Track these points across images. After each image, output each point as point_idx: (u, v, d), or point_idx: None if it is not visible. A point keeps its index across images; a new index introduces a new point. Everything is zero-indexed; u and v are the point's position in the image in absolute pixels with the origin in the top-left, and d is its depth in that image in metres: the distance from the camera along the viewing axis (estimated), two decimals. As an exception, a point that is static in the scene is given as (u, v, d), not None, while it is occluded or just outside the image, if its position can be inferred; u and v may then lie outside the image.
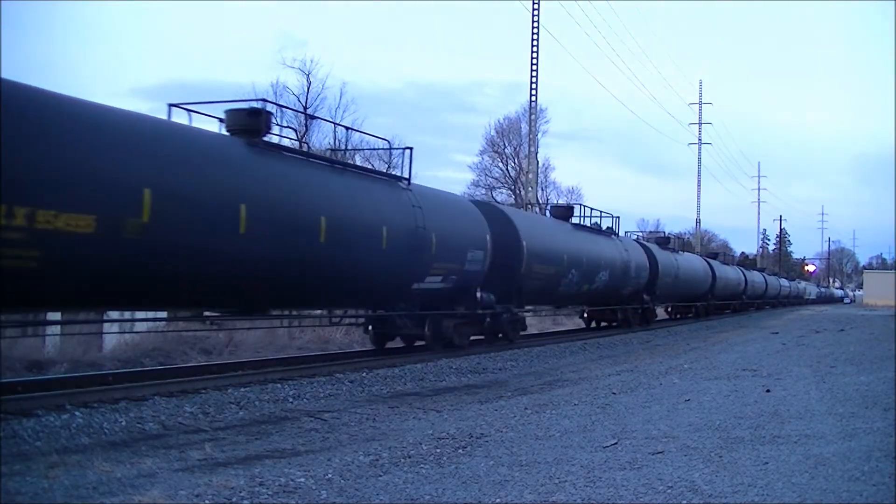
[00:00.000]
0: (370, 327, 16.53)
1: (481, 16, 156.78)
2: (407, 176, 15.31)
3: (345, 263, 12.39)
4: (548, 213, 26.30)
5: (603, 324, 28.30)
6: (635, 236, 38.92)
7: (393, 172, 16.73)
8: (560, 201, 61.66)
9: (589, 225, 26.01)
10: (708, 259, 41.74)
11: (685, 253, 38.06)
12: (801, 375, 12.56)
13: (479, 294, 16.60)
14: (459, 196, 21.27)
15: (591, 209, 26.57)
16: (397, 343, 17.22)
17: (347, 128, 17.91)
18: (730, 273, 45.10)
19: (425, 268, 14.48)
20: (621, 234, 29.80)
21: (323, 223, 11.77)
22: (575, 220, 24.26)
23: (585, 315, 28.30)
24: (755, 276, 54.88)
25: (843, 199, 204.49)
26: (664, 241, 34.22)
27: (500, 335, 18.60)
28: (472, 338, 17.71)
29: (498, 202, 38.62)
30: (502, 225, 18.03)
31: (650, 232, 42.76)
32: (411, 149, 15.82)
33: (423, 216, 14.31)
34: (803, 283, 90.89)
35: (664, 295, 31.24)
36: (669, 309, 38.56)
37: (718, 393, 10.44)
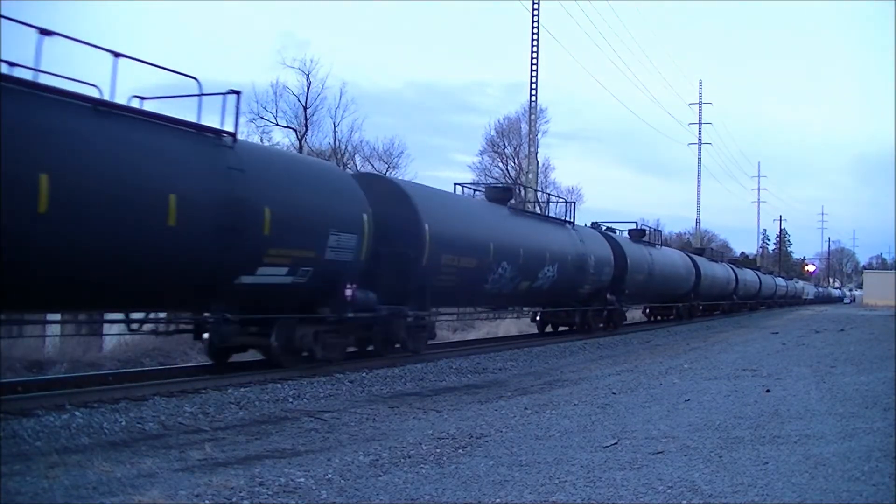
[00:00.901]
0: (204, 335, 12.08)
1: (482, 16, 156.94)
2: (230, 129, 11.00)
3: (85, 244, 8.70)
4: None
5: (562, 328, 24.40)
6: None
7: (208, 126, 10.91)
8: (560, 201, 61.87)
9: (535, 211, 23.26)
10: (691, 255, 37.98)
11: (663, 247, 33.77)
12: (801, 375, 12.57)
13: (349, 292, 12.66)
14: (325, 163, 15.58)
15: (538, 191, 23.63)
16: (254, 356, 13.20)
17: None
18: (718, 271, 41.67)
19: (254, 255, 10.84)
20: (592, 225, 27.52)
21: (44, 184, 8.03)
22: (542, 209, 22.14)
23: (539, 318, 24.24)
24: (747, 275, 51.29)
25: (843, 199, 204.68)
26: (638, 233, 29.83)
27: (399, 346, 14.86)
28: (353, 349, 14.39)
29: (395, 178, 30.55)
30: (393, 203, 14.44)
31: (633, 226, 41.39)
32: (238, 93, 11.27)
33: (248, 183, 10.67)
34: (801, 283, 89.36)
35: (636, 294, 27.93)
36: (647, 311, 35.86)
37: (718, 393, 10.44)
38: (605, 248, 24.25)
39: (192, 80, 10.61)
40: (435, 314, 16.76)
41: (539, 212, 23.92)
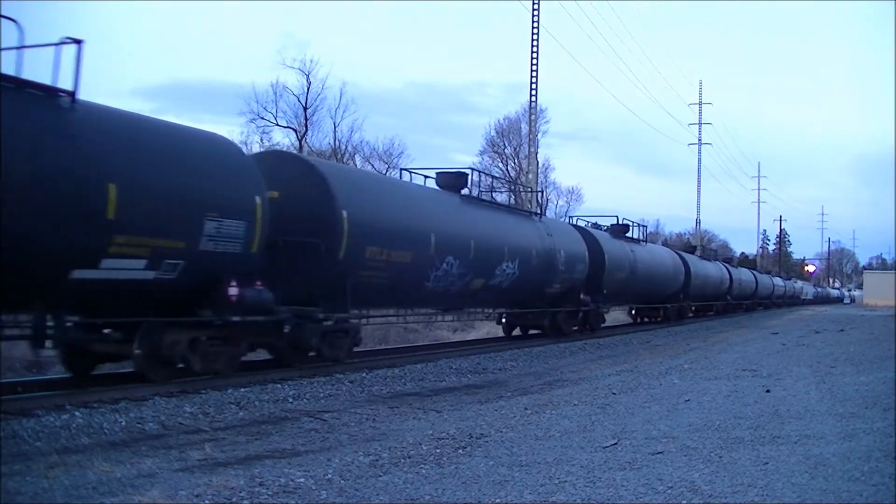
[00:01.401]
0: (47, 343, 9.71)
1: (483, 16, 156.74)
2: (67, 87, 8.90)
3: None
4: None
5: (533, 332, 22.24)
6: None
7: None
8: (560, 202, 61.90)
9: (495, 201, 20.77)
10: (680, 252, 35.51)
11: (649, 244, 30.78)
12: (801, 375, 12.57)
13: (234, 290, 10.62)
14: (207, 133, 11.62)
15: (494, 177, 20.87)
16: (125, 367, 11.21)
17: None
18: (710, 270, 39.48)
19: (94, 243, 8.78)
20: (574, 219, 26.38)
21: None
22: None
23: (504, 320, 21.94)
24: (743, 274, 49.22)
25: (843, 199, 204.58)
26: (620, 228, 27.42)
27: (314, 354, 12.74)
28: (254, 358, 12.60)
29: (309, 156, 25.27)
30: (305, 185, 12.36)
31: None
32: (79, 42, 9.02)
33: (86, 153, 8.69)
34: (800, 283, 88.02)
35: (616, 294, 25.42)
36: (633, 311, 33.43)
37: (718, 393, 10.44)
38: (579, 244, 21.93)
39: (11, 21, 8.64)
40: (359, 317, 14.36)
41: (497, 202, 21.05)
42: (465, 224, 16.28)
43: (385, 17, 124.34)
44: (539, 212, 21.20)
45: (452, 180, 17.33)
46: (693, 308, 39.65)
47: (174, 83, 76.36)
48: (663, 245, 42.92)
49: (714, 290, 40.07)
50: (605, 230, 26.42)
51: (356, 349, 14.20)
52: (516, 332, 22.33)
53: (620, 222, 27.72)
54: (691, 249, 40.17)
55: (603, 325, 25.25)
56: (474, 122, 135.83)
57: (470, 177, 17.90)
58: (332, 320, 12.74)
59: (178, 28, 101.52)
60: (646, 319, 32.83)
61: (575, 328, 22.52)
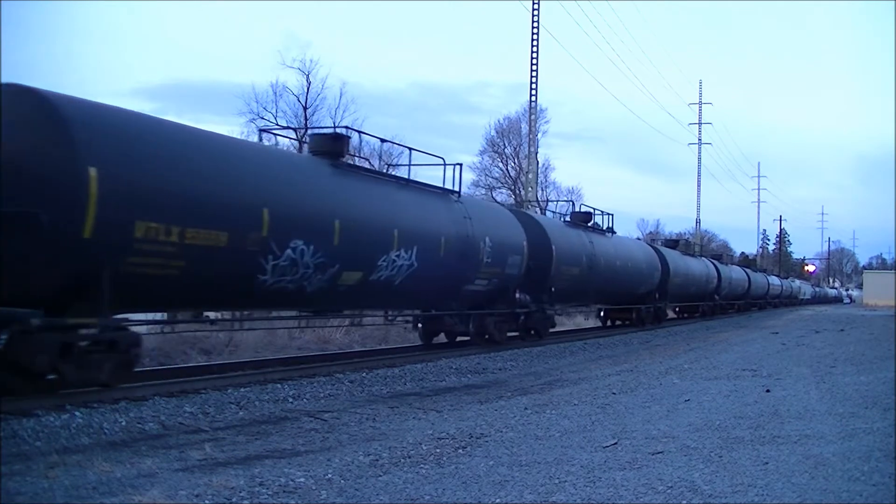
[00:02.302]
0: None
1: (485, 17, 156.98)
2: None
3: None
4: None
5: (462, 339, 18.19)
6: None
7: None
8: (560, 202, 61.92)
9: (387, 173, 16.90)
10: (658, 247, 32.23)
11: (617, 236, 27.22)
12: (800, 375, 12.57)
13: None
14: None
15: (384, 140, 16.16)
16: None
17: None
18: (693, 266, 35.70)
19: None
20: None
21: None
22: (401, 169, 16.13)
23: (420, 325, 18.17)
24: (733, 272, 45.86)
25: (843, 199, 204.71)
26: (581, 216, 23.94)
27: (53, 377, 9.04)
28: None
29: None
30: (25, 126, 8.50)
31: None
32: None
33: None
34: (797, 282, 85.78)
35: (569, 293, 21.27)
36: (602, 313, 29.69)
37: (718, 393, 10.44)
38: (513, 231, 17.95)
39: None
40: (124, 322, 10.11)
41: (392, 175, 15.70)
42: (330, 198, 12.16)
43: (388, 17, 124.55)
44: (457, 190, 16.43)
45: (328, 145, 13.12)
46: (676, 309, 37.71)
47: (176, 83, 76.43)
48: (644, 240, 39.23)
49: (698, 290, 36.58)
50: (563, 219, 23.51)
51: (139, 369, 10.73)
52: (441, 338, 18.38)
53: (580, 209, 24.69)
54: (673, 244, 36.62)
55: (556, 329, 22.10)
56: (476, 123, 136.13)
57: (360, 142, 14.91)
58: (81, 329, 9.14)
59: (180, 28, 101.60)
60: (615, 323, 29.14)
61: (514, 334, 19.02)
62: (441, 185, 16.07)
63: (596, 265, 22.60)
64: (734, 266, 50.61)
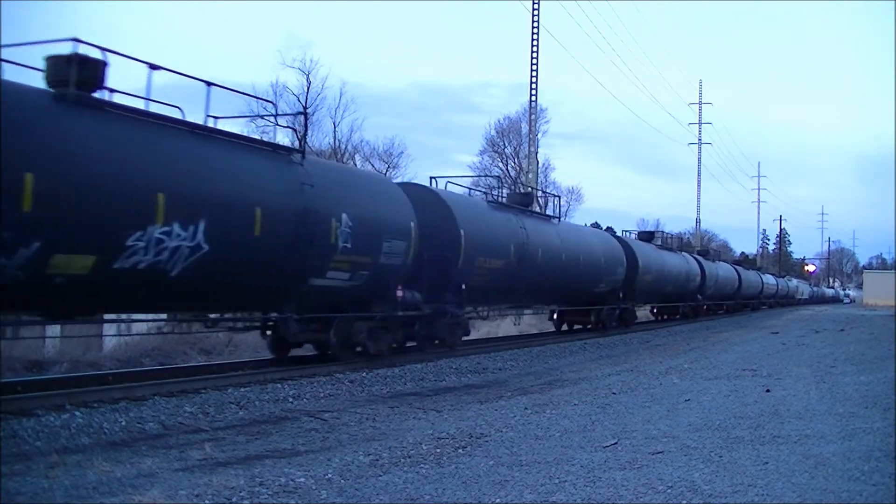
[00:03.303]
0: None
1: (486, 17, 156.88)
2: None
3: None
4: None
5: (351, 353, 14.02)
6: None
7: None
8: (560, 202, 61.83)
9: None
10: (625, 239, 27.81)
11: (567, 223, 24.61)
12: (800, 375, 12.57)
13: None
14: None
15: (153, 66, 9.70)
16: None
17: None
18: (670, 262, 31.38)
19: None
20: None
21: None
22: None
23: (269, 334, 13.34)
24: (721, 270, 41.94)
25: (843, 199, 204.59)
26: (519, 198, 20.46)
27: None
28: None
29: None
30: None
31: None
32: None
33: None
34: (795, 281, 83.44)
35: (486, 290, 17.02)
36: (555, 315, 24.78)
37: (718, 393, 10.44)
38: (393, 208, 14.05)
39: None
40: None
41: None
42: (22, 145, 8.18)
43: (389, 18, 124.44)
44: (302, 149, 12.64)
45: (60, 70, 8.95)
46: (654, 310, 35.00)
47: (177, 83, 76.19)
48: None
49: (676, 289, 32.40)
50: (486, 197, 20.39)
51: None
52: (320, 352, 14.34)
53: (516, 188, 22.20)
54: (647, 237, 32.66)
55: (480, 337, 20.59)
56: (477, 123, 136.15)
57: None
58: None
59: (183, 28, 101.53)
60: (576, 326, 25.22)
61: (392, 346, 14.64)
62: (274, 142, 12.32)
63: (529, 257, 18.33)
64: (722, 263, 46.40)
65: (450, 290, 15.76)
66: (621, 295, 25.55)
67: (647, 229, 45.49)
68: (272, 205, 11.16)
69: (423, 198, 15.65)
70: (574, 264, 21.37)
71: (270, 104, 23.41)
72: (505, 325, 27.31)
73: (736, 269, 46.77)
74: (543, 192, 22.14)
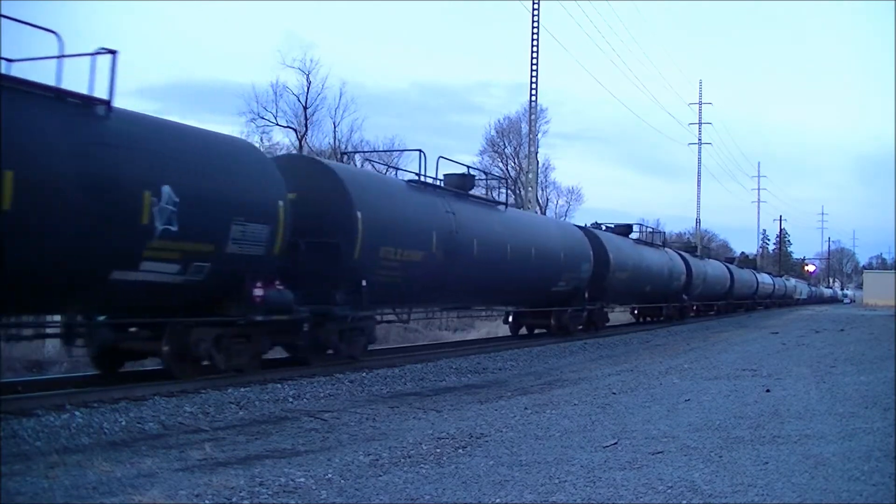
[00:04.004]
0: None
1: (487, 17, 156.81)
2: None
3: None
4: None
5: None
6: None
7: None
8: (560, 202, 61.84)
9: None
10: (592, 230, 24.91)
11: (512, 209, 21.40)
12: (801, 375, 12.57)
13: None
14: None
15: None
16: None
17: None
18: (650, 259, 28.40)
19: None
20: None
21: None
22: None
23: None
24: (710, 268, 39.02)
25: (843, 199, 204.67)
26: (457, 181, 17.14)
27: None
28: None
29: None
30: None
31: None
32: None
33: None
34: (793, 281, 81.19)
35: (394, 287, 14.02)
36: (510, 318, 22.06)
37: (718, 393, 10.44)
38: (254, 180, 11.19)
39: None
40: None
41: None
42: None
43: (390, 17, 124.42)
44: (104, 100, 9.29)
45: None
46: (635, 311, 32.57)
47: (179, 83, 76.34)
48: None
49: (656, 288, 29.21)
50: (408, 179, 16.11)
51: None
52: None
53: (467, 172, 18.11)
54: (624, 230, 28.67)
55: (389, 346, 18.24)
56: (478, 123, 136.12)
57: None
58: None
59: (184, 29, 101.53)
60: (535, 332, 22.61)
61: (291, 356, 13.31)
62: (59, 87, 8.99)
63: (461, 248, 15.50)
64: (712, 261, 42.90)
65: (341, 289, 12.57)
66: (586, 295, 22.49)
67: (648, 230, 42.25)
68: (40, 169, 8.37)
69: (305, 171, 13.05)
70: (523, 259, 18.32)
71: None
72: (505, 326, 26.25)
73: (728, 268, 44.25)
74: (486, 174, 19.08)
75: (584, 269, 22.07)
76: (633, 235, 29.44)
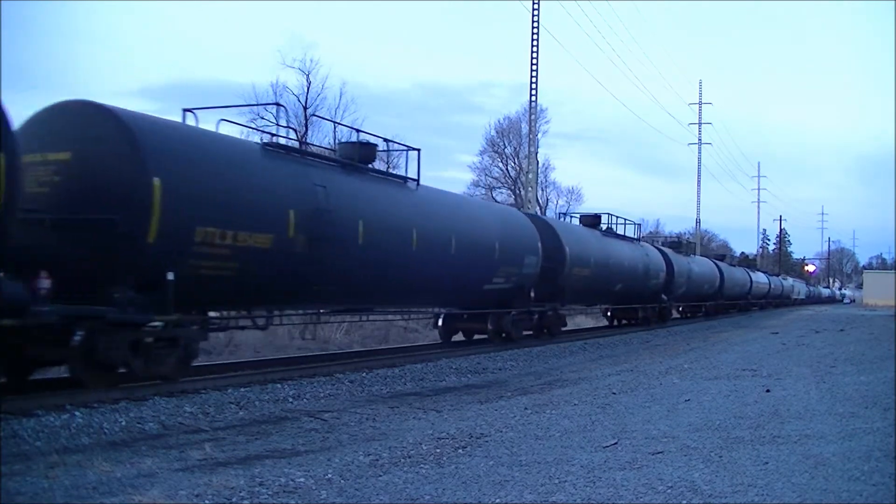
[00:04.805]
0: None
1: (489, 17, 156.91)
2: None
3: None
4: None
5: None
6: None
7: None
8: (560, 202, 61.71)
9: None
10: (545, 218, 22.98)
11: (428, 188, 15.98)
12: (801, 375, 12.57)
13: None
14: None
15: None
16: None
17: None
18: (619, 253, 24.79)
19: None
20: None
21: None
22: None
23: None
24: (696, 265, 35.56)
25: (843, 199, 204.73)
26: (362, 149, 13.98)
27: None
28: None
29: None
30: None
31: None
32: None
33: None
34: (790, 280, 78.69)
35: (217, 283, 10.52)
36: (440, 322, 18.48)
37: (718, 393, 10.44)
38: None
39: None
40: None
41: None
42: None
43: (391, 18, 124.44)
44: None
45: None
46: (608, 314, 29.16)
47: (179, 83, 76.29)
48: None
49: (629, 286, 25.82)
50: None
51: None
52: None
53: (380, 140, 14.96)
54: (592, 221, 25.04)
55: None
56: (479, 123, 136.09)
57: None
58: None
59: (186, 28, 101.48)
60: (473, 337, 19.02)
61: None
62: None
63: (334, 233, 11.95)
64: (699, 257, 39.79)
65: (128, 284, 9.38)
66: (532, 294, 18.90)
67: (648, 230, 39.74)
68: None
69: (81, 122, 9.67)
70: (438, 249, 14.66)
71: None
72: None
73: (717, 265, 40.72)
74: (386, 140, 15.37)
75: (530, 264, 18.32)
76: (636, 232, 27.92)
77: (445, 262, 15.10)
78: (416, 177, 15.15)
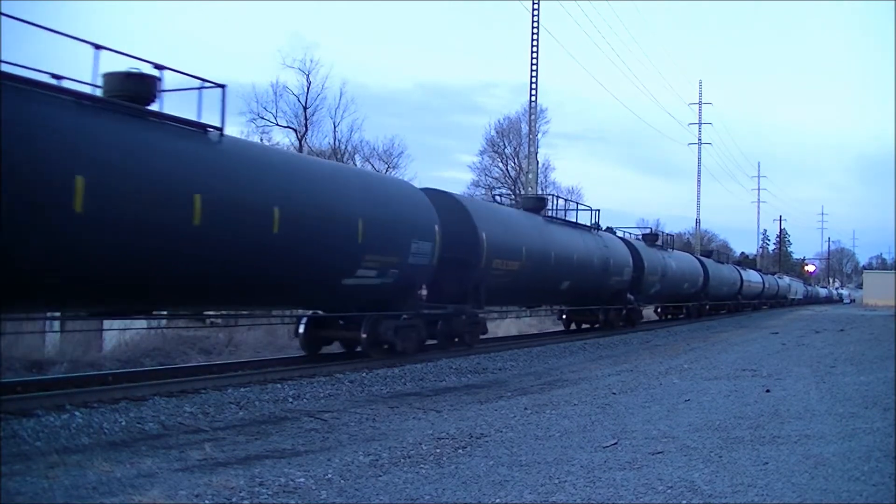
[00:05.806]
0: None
1: (490, 17, 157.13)
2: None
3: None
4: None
5: None
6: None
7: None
8: (560, 202, 61.64)
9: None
10: (458, 197, 17.58)
11: (233, 138, 11.70)
12: (800, 375, 12.56)
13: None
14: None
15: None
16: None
17: None
18: (567, 241, 20.83)
19: None
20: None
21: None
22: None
23: None
24: (673, 261, 31.16)
25: (843, 199, 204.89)
26: (129, 83, 9.67)
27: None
28: None
29: None
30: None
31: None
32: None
33: None
34: (786, 279, 76.39)
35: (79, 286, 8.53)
36: (301, 329, 13.85)
37: (718, 393, 10.44)
38: None
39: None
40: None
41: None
42: None
43: (393, 18, 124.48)
44: None
45: None
46: (563, 316, 25.27)
47: (178, 83, 76.08)
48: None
49: (584, 284, 22.06)
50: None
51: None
52: None
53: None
54: (535, 205, 21.85)
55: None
56: (480, 123, 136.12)
57: None
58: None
59: (185, 29, 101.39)
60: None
61: None
62: None
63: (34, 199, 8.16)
64: (678, 252, 35.20)
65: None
66: (424, 292, 15.36)
67: (646, 227, 35.51)
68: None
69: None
70: (248, 227, 10.63)
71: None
72: (504, 325, 25.32)
73: (701, 262, 36.53)
74: (205, 81, 10.95)
75: (421, 252, 14.10)
76: (593, 220, 24.14)
77: (264, 244, 10.87)
78: (219, 125, 10.77)
